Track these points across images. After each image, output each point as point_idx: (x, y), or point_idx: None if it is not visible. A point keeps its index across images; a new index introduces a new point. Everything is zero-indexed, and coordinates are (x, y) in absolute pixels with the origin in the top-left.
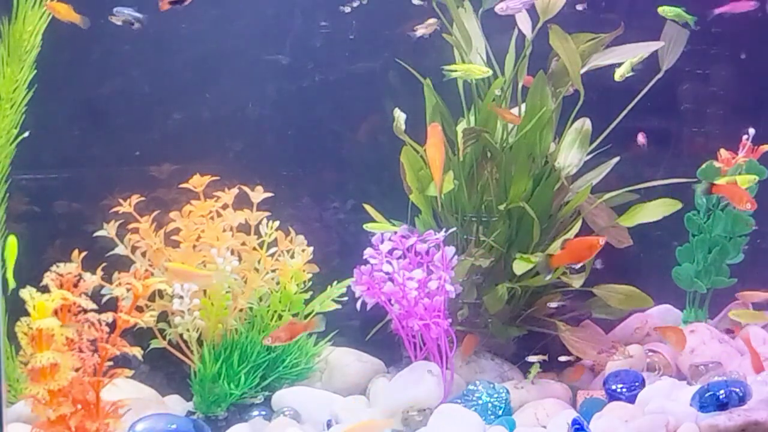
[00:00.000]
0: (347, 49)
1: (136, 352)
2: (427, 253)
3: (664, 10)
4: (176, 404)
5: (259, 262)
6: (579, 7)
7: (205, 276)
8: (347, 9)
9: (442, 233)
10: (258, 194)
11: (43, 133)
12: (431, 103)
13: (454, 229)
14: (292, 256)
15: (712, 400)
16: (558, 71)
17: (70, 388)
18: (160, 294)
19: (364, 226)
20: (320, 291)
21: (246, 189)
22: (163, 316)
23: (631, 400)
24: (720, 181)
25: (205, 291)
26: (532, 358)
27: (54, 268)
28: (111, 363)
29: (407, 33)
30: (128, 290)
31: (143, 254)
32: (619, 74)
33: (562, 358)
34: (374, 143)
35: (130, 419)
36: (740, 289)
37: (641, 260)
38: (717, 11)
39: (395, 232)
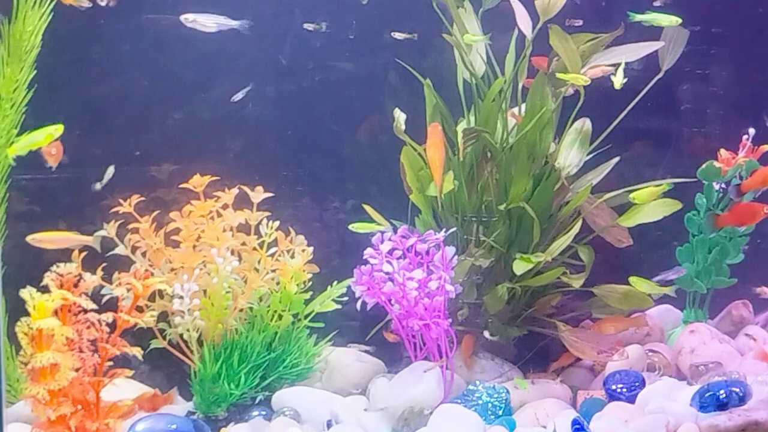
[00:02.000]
0: (347, 49)
1: (136, 352)
2: (427, 253)
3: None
4: (176, 404)
5: (259, 262)
6: (577, 23)
7: (79, 239)
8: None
9: (442, 233)
10: (258, 194)
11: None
12: (431, 103)
13: (454, 229)
14: (292, 256)
15: (712, 400)
16: (558, 71)
17: (70, 388)
18: (160, 294)
19: (350, 226)
20: (320, 291)
21: (246, 189)
22: (163, 316)
23: (631, 400)
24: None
25: (205, 291)
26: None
27: (54, 268)
28: (111, 363)
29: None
30: (128, 290)
31: (143, 254)
32: (618, 83)
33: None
34: (374, 143)
35: (131, 419)
36: (740, 290)
37: (641, 260)
38: None
39: (384, 232)
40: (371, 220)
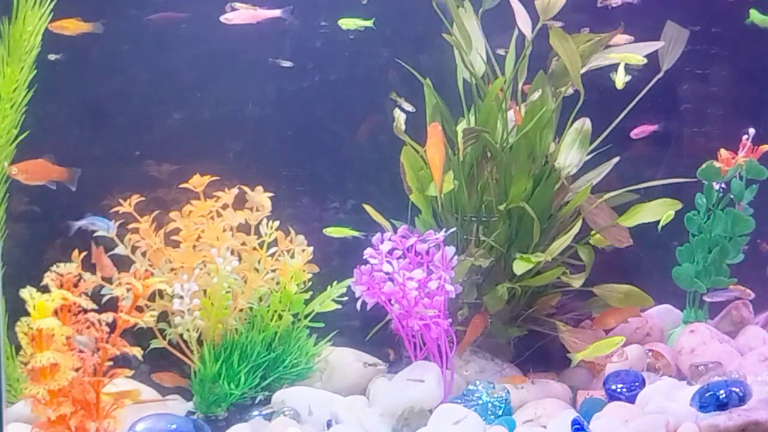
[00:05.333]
0: (347, 49)
1: (136, 352)
2: (427, 253)
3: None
4: (176, 404)
5: (259, 262)
6: (585, 30)
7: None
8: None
9: (442, 233)
10: (258, 194)
11: (43, 133)
12: (431, 103)
13: (454, 229)
14: (292, 256)
15: (712, 400)
16: (558, 71)
17: (70, 388)
18: (160, 294)
19: (325, 231)
20: (320, 291)
21: (246, 189)
22: (163, 316)
23: (631, 400)
24: None
25: (205, 291)
26: None
27: (54, 268)
28: (111, 363)
29: None
30: (128, 290)
31: (143, 254)
32: (620, 82)
33: None
34: (374, 143)
35: (130, 419)
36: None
37: (641, 260)
38: None
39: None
40: (365, 221)
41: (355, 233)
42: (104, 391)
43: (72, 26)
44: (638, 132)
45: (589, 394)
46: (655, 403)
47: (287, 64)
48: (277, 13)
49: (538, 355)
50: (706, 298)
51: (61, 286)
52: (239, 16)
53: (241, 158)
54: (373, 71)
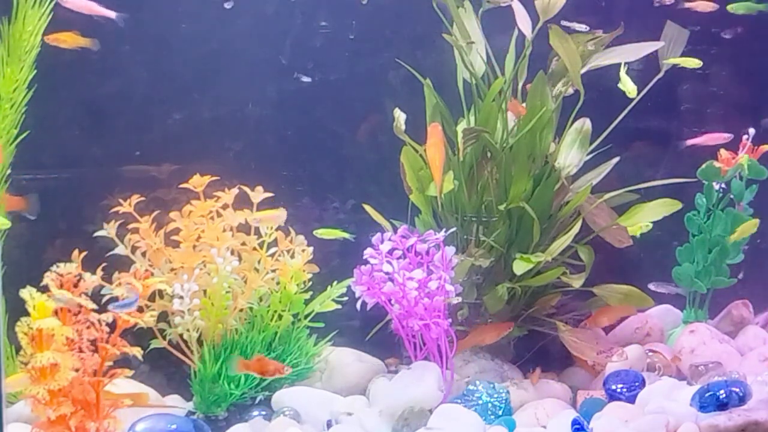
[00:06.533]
0: (347, 49)
1: (136, 352)
2: (427, 253)
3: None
4: (176, 404)
5: (259, 262)
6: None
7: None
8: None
9: (442, 233)
10: (258, 194)
11: (43, 133)
12: (431, 103)
13: (454, 229)
14: (292, 256)
15: (712, 400)
16: (558, 71)
17: (70, 388)
18: (160, 294)
19: (315, 232)
20: (320, 291)
21: (246, 189)
22: (163, 316)
23: (631, 400)
24: None
25: (205, 291)
26: None
27: (54, 268)
28: (111, 363)
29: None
30: (128, 290)
31: (143, 254)
32: (631, 89)
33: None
34: (374, 143)
35: (130, 419)
36: (740, 289)
37: (641, 260)
38: None
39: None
40: (365, 221)
41: (346, 235)
42: (113, 392)
43: (69, 39)
44: (702, 141)
45: (589, 394)
46: (655, 403)
47: (307, 79)
48: (111, 14)
49: (538, 355)
50: (651, 286)
51: (61, 286)
52: (75, 3)
53: (241, 158)
54: (373, 71)
